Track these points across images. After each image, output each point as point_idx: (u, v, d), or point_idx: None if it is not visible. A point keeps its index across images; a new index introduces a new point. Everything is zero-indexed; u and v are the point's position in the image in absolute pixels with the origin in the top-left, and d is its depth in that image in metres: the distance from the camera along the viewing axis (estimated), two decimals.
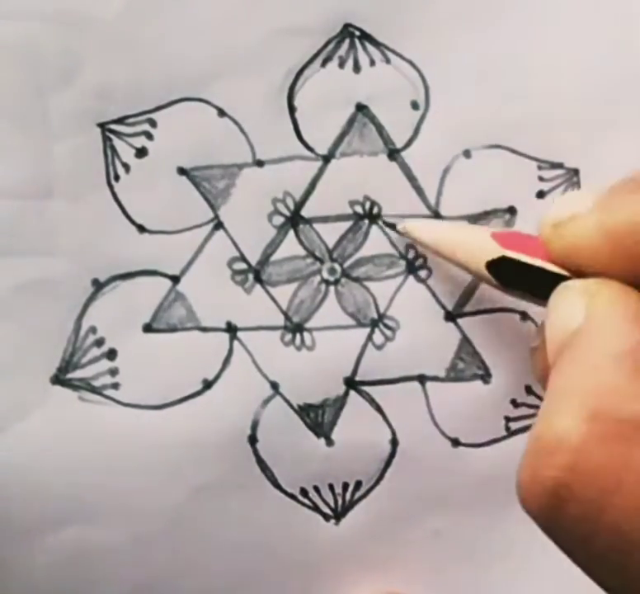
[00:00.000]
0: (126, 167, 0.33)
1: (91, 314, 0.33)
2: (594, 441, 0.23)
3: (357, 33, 0.34)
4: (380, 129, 0.34)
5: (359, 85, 0.34)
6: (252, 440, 0.33)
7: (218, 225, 0.33)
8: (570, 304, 0.26)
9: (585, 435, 0.23)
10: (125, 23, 0.33)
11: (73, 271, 0.33)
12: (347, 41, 0.34)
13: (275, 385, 0.33)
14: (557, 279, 0.27)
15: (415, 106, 0.34)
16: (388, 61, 0.34)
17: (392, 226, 0.33)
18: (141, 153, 0.33)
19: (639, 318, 0.24)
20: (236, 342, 0.33)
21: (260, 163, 0.34)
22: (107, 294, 0.33)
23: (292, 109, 0.34)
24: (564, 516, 0.23)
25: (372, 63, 0.34)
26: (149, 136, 0.33)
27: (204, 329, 0.33)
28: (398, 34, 0.34)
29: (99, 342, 0.33)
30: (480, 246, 0.30)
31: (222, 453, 0.33)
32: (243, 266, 0.33)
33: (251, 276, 0.33)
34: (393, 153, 0.34)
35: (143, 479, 0.33)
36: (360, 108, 0.34)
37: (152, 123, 0.33)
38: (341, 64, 0.34)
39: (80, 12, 0.33)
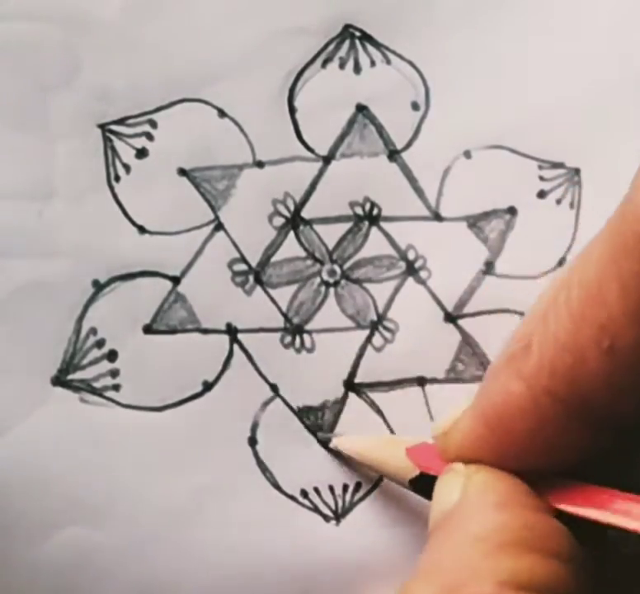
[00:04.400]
0: (126, 167, 0.33)
1: (91, 315, 0.33)
2: None
3: (357, 34, 0.34)
4: (380, 129, 0.34)
5: (359, 86, 0.34)
6: (252, 441, 0.33)
7: (219, 226, 0.33)
8: (448, 487, 0.27)
9: None
10: (126, 24, 0.33)
11: (73, 272, 0.33)
12: (348, 42, 0.34)
13: (274, 387, 0.33)
14: None
15: (415, 106, 0.34)
16: (388, 62, 0.34)
17: (325, 444, 0.33)
18: (141, 153, 0.33)
19: (505, 504, 0.25)
20: (236, 344, 0.33)
21: (260, 164, 0.34)
22: (107, 295, 0.33)
23: (292, 110, 0.34)
24: None
25: (372, 63, 0.34)
26: (150, 137, 0.33)
27: (205, 331, 0.33)
28: (399, 35, 0.34)
29: (99, 344, 0.33)
30: (399, 465, 0.31)
31: (222, 454, 0.33)
32: (244, 267, 0.33)
33: (251, 278, 0.33)
34: (394, 154, 0.34)
35: (143, 481, 0.33)
36: (361, 109, 0.34)
37: (153, 124, 0.33)
38: (342, 65, 0.34)
39: (80, 13, 0.33)
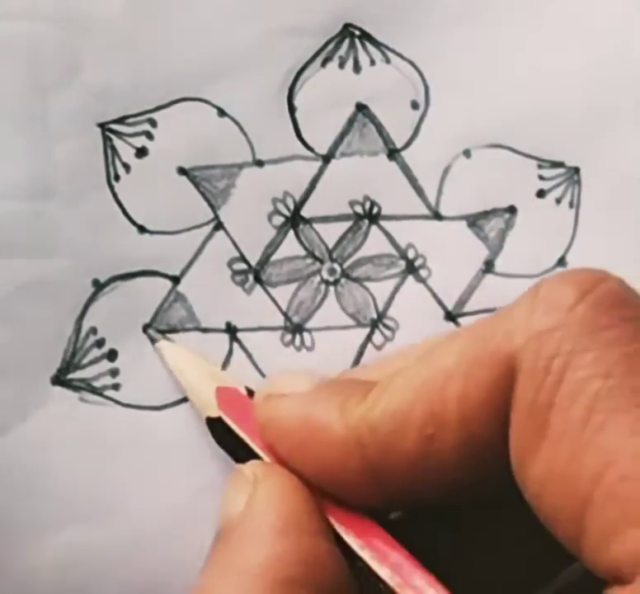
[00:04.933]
0: (126, 167, 0.33)
1: (91, 315, 0.33)
2: None
3: (357, 33, 0.34)
4: (380, 128, 0.34)
5: (359, 85, 0.34)
6: None
7: (219, 225, 0.33)
8: (235, 491, 0.27)
9: None
10: (125, 23, 0.33)
11: (73, 272, 0.33)
12: (347, 41, 0.34)
13: None
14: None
15: (415, 105, 0.34)
16: (388, 61, 0.34)
17: (153, 340, 0.33)
18: (141, 152, 0.33)
19: (285, 530, 0.25)
20: (236, 343, 0.33)
21: (260, 163, 0.34)
22: (107, 294, 0.33)
23: (292, 109, 0.34)
24: None
25: (372, 62, 0.34)
26: (149, 136, 0.33)
27: (204, 330, 0.33)
28: (398, 34, 0.34)
29: (99, 343, 0.33)
30: (204, 398, 0.31)
31: (222, 453, 0.33)
32: (243, 266, 0.33)
33: (251, 277, 0.33)
34: (393, 153, 0.34)
35: (143, 480, 0.33)
36: (360, 108, 0.34)
37: (153, 123, 0.33)
38: (341, 64, 0.34)
39: (80, 12, 0.33)
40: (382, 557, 0.25)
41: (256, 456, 0.29)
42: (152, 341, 0.33)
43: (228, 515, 0.27)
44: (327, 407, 0.26)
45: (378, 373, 0.27)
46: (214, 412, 0.30)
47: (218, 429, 0.30)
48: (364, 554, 0.25)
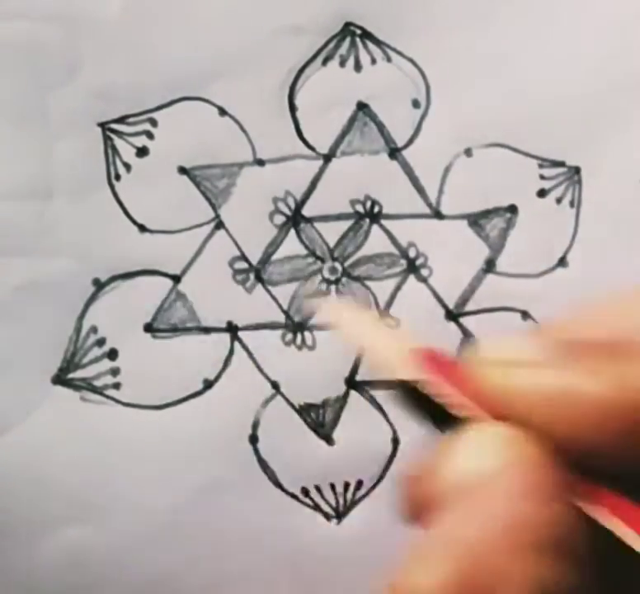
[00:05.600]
0: (127, 166, 0.33)
1: (92, 314, 0.33)
2: None
3: (358, 32, 0.34)
4: (381, 127, 0.34)
5: (360, 84, 0.34)
6: (253, 439, 0.33)
7: (219, 225, 0.33)
8: (479, 450, 0.26)
9: None
10: (126, 23, 0.33)
11: (74, 271, 0.33)
12: (348, 40, 0.34)
13: (275, 385, 0.33)
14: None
15: (416, 104, 0.34)
16: (388, 59, 0.34)
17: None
18: (142, 152, 0.33)
19: (536, 490, 0.24)
20: (237, 342, 0.33)
21: (261, 162, 0.34)
22: (108, 293, 0.33)
23: (293, 108, 0.34)
24: None
25: (373, 61, 0.34)
26: (150, 135, 0.33)
27: (205, 329, 0.33)
28: (399, 32, 0.34)
29: (100, 342, 0.33)
30: (396, 358, 0.28)
31: (223, 452, 0.33)
32: (244, 265, 0.33)
33: (252, 276, 0.33)
34: (394, 152, 0.34)
35: (143, 479, 0.33)
36: (361, 107, 0.34)
37: (153, 122, 0.33)
38: (342, 63, 0.34)
39: (80, 12, 0.33)
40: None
41: (459, 419, 0.27)
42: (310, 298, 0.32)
43: (467, 472, 0.25)
44: (575, 375, 0.26)
45: (615, 323, 0.26)
46: (413, 375, 0.26)
47: (411, 394, 0.27)
48: (616, 529, 0.25)
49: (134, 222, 0.33)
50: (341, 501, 0.33)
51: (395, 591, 0.23)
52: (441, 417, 0.26)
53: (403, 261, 0.34)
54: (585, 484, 0.25)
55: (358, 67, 0.34)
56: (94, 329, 0.33)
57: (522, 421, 0.26)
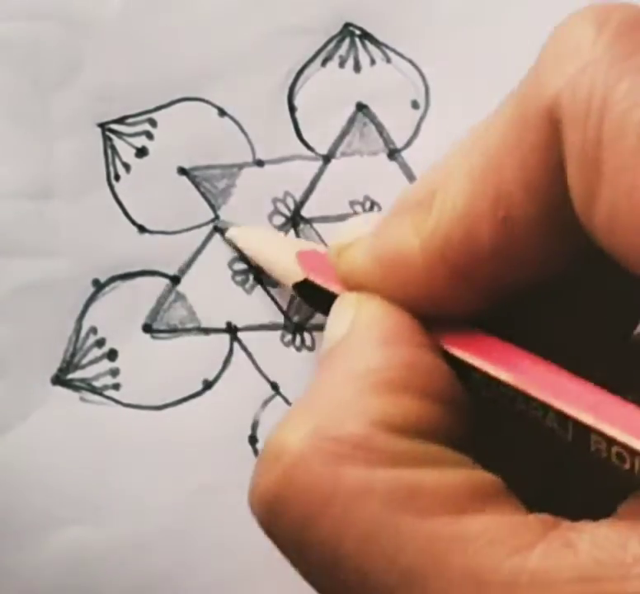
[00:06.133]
0: (126, 166, 0.33)
1: (91, 315, 0.33)
2: (309, 457, 0.23)
3: (357, 32, 0.34)
4: (380, 128, 0.34)
5: (359, 84, 0.34)
6: (253, 440, 0.33)
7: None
8: (339, 315, 0.27)
9: (303, 450, 0.23)
10: (125, 23, 0.33)
11: (74, 272, 0.33)
12: (347, 40, 0.34)
13: (275, 386, 0.33)
14: None
15: (415, 105, 0.34)
16: (388, 60, 0.34)
17: (221, 232, 0.33)
18: (141, 152, 0.33)
19: (390, 340, 0.25)
20: (236, 343, 0.33)
21: (260, 163, 0.34)
22: (108, 294, 0.33)
23: (292, 108, 0.34)
24: (278, 527, 0.23)
25: (372, 62, 0.34)
26: (150, 136, 0.33)
27: (205, 330, 0.33)
28: (399, 33, 0.34)
29: (100, 343, 0.33)
30: (287, 266, 0.31)
31: (222, 453, 0.33)
32: (243, 266, 0.33)
33: (251, 277, 0.33)
34: (394, 153, 0.34)
35: (143, 479, 0.33)
36: (361, 107, 0.34)
37: (153, 123, 0.33)
38: (342, 64, 0.34)
39: (80, 12, 0.33)
40: (495, 361, 0.25)
41: None
42: (221, 232, 0.33)
43: (332, 336, 0.26)
44: (397, 234, 0.26)
45: (432, 180, 0.26)
46: (299, 277, 0.30)
47: (308, 292, 0.30)
48: (476, 362, 0.25)
49: (134, 222, 0.33)
50: None
51: (267, 449, 0.24)
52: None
53: None
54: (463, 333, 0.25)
55: (357, 68, 0.34)
56: (94, 330, 0.33)
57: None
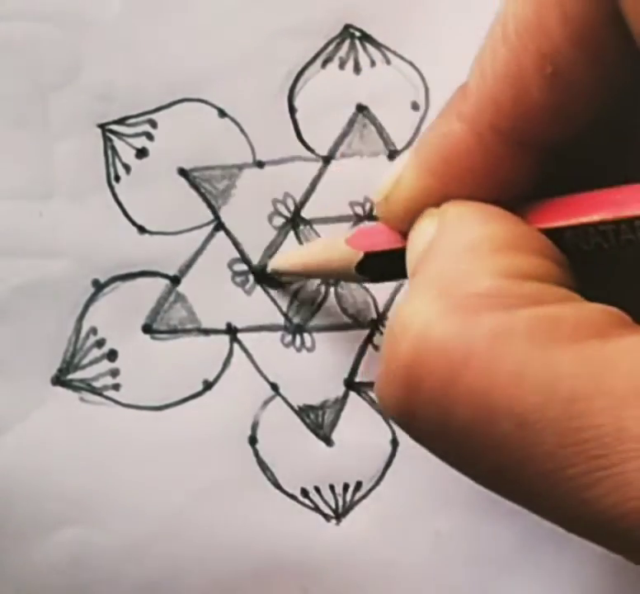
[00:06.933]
0: (127, 167, 0.33)
1: (91, 315, 0.33)
2: (438, 318, 0.22)
3: (357, 34, 0.34)
4: (381, 129, 0.34)
5: (359, 86, 0.34)
6: (252, 440, 0.33)
7: (219, 226, 0.34)
8: (424, 224, 0.26)
9: (430, 313, 0.22)
10: (125, 24, 0.33)
11: (74, 272, 0.33)
12: (347, 42, 0.34)
13: (275, 386, 0.33)
14: None
15: (415, 106, 0.34)
16: (388, 62, 0.34)
17: (272, 281, 0.34)
18: (141, 153, 0.33)
19: (488, 220, 0.24)
20: (236, 343, 0.33)
21: (260, 164, 0.34)
22: (108, 294, 0.33)
23: (292, 110, 0.34)
24: (418, 401, 0.22)
25: (372, 63, 0.34)
26: (150, 137, 0.33)
27: (205, 330, 0.33)
28: (399, 35, 0.34)
29: (99, 343, 0.33)
30: (342, 257, 0.30)
31: (222, 454, 0.33)
32: (244, 267, 0.33)
33: (251, 277, 0.34)
34: (394, 154, 0.34)
35: (143, 480, 0.33)
36: (361, 109, 0.34)
37: (153, 123, 0.33)
38: (342, 65, 0.34)
39: (80, 12, 0.33)
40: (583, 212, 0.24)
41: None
42: (263, 272, 0.33)
43: (421, 242, 0.25)
44: (440, 133, 0.25)
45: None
46: (358, 257, 0.30)
47: (372, 267, 0.29)
48: (571, 221, 0.25)
49: (134, 223, 0.33)
50: (341, 502, 0.33)
51: (390, 333, 0.23)
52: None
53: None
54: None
55: (357, 69, 0.34)
56: (94, 330, 0.33)
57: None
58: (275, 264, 0.33)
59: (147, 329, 0.33)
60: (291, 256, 0.33)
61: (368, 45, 0.34)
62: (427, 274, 0.23)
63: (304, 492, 0.33)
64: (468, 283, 0.22)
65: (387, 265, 0.29)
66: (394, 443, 0.34)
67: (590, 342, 0.21)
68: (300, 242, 0.34)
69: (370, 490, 0.34)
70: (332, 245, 0.30)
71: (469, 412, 0.21)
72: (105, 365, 0.33)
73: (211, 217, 0.34)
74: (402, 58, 0.34)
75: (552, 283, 0.23)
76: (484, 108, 0.24)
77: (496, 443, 0.21)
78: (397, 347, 0.22)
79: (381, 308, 0.34)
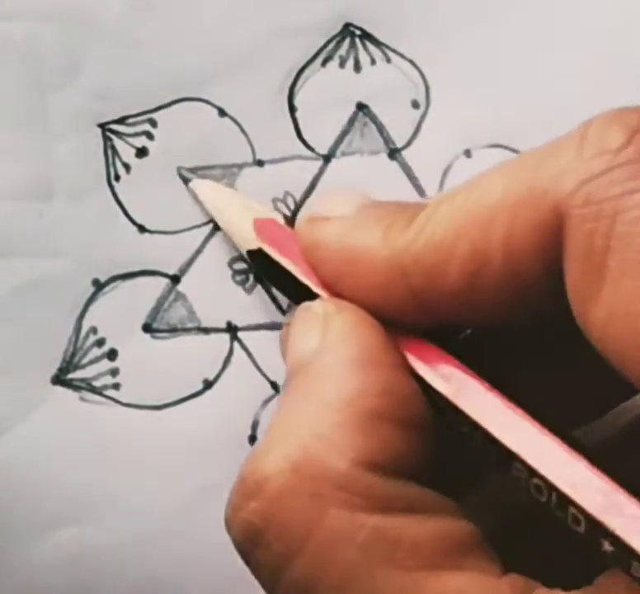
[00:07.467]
0: (127, 167, 0.33)
1: (91, 314, 0.33)
2: (290, 494, 0.23)
3: (358, 32, 0.34)
4: (381, 128, 0.34)
5: (359, 84, 0.34)
6: (253, 440, 0.33)
7: (219, 225, 0.33)
8: (307, 327, 0.26)
9: (283, 486, 0.23)
10: (125, 23, 0.33)
11: (74, 271, 0.33)
12: (348, 40, 0.34)
13: (275, 385, 0.33)
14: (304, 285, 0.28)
15: (415, 105, 0.34)
16: (388, 60, 0.34)
17: (185, 180, 0.33)
18: (141, 152, 0.33)
19: (365, 362, 0.25)
20: (236, 342, 0.33)
21: (260, 163, 0.34)
22: (108, 294, 0.33)
23: (292, 108, 0.34)
24: (256, 558, 0.24)
25: (373, 62, 0.34)
26: (150, 136, 0.33)
27: (205, 329, 0.33)
28: (399, 33, 0.34)
29: (99, 343, 0.33)
30: (244, 231, 0.31)
31: (222, 453, 0.33)
32: (244, 266, 0.33)
33: (251, 276, 0.33)
34: (394, 153, 0.34)
35: (143, 479, 0.33)
36: (361, 107, 0.34)
37: (153, 123, 0.33)
38: (342, 64, 0.34)
39: (80, 12, 0.33)
40: (461, 392, 0.24)
41: (300, 286, 0.28)
42: (185, 181, 0.33)
43: (300, 352, 0.26)
44: (371, 233, 0.26)
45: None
46: (254, 244, 0.30)
47: (259, 261, 0.30)
48: (442, 389, 0.25)
49: (134, 222, 0.33)
50: None
51: (244, 482, 0.24)
52: (286, 284, 0.28)
53: None
54: (414, 344, 0.25)
55: (357, 68, 0.34)
56: (94, 329, 0.33)
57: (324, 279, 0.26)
58: (197, 185, 0.33)
59: (147, 328, 0.33)
60: (212, 190, 0.33)
61: (368, 44, 0.34)
62: (291, 426, 0.24)
63: None
64: (324, 461, 0.23)
65: (274, 271, 0.29)
66: None
67: (419, 573, 0.22)
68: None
69: None
70: (244, 213, 0.31)
71: (292, 592, 0.23)
72: (105, 364, 0.33)
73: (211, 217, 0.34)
74: (402, 56, 0.34)
75: (412, 469, 0.23)
76: (407, 254, 0.25)
77: None
78: (248, 502, 0.24)
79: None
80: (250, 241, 0.30)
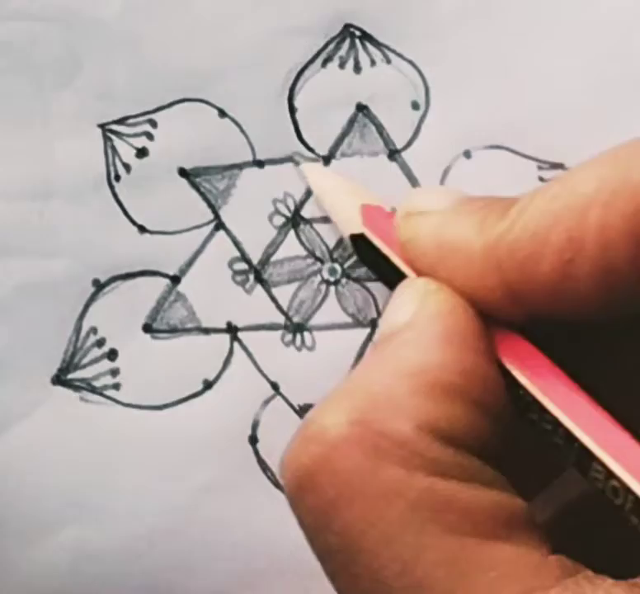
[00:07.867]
0: (127, 167, 0.33)
1: (91, 315, 0.33)
2: (350, 444, 0.23)
3: (358, 33, 0.34)
4: (380, 129, 0.34)
5: (359, 85, 0.34)
6: (253, 440, 0.33)
7: (219, 226, 0.34)
8: (403, 300, 0.26)
9: (345, 435, 0.23)
10: (125, 23, 0.33)
11: (74, 272, 0.33)
12: (348, 41, 0.34)
13: (275, 385, 0.33)
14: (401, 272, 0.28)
15: (415, 106, 0.34)
16: (388, 61, 0.34)
17: (296, 163, 0.33)
18: (142, 153, 0.33)
19: (450, 340, 0.25)
20: (236, 343, 0.33)
21: (260, 164, 0.34)
22: (108, 294, 0.33)
23: (292, 109, 0.34)
24: (304, 504, 0.23)
25: (372, 63, 0.34)
26: (150, 136, 0.33)
27: (205, 330, 0.33)
28: (399, 34, 0.34)
29: (100, 343, 0.33)
30: (348, 216, 0.31)
31: (222, 453, 0.33)
32: (244, 266, 0.33)
33: (251, 276, 0.33)
34: (394, 154, 0.34)
35: (143, 479, 0.33)
36: (361, 108, 0.34)
37: (153, 123, 0.33)
38: (342, 65, 0.34)
39: (80, 12, 0.33)
40: (547, 388, 0.24)
41: (398, 273, 0.28)
42: (296, 163, 0.33)
43: (391, 322, 0.26)
44: (466, 226, 0.26)
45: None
46: (358, 229, 0.30)
47: (361, 246, 0.30)
48: (528, 384, 0.25)
49: (134, 223, 0.33)
50: None
51: (307, 426, 0.23)
52: (386, 270, 0.28)
53: None
54: (506, 337, 0.25)
55: (357, 68, 0.34)
56: (94, 330, 0.33)
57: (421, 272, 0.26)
58: (307, 168, 0.33)
59: (147, 328, 0.33)
60: (323, 174, 0.33)
61: (368, 44, 0.34)
62: (362, 384, 0.24)
63: None
64: (390, 420, 0.23)
65: (375, 257, 0.29)
66: None
67: (468, 539, 0.22)
68: (300, 242, 0.34)
69: None
70: (353, 198, 0.31)
71: (336, 544, 0.23)
72: (106, 364, 0.33)
73: (211, 216, 0.34)
74: (402, 57, 0.34)
75: (475, 446, 0.23)
76: (501, 245, 0.25)
77: (347, 580, 0.23)
78: (306, 446, 0.24)
79: (382, 307, 0.34)
80: (354, 225, 0.30)
